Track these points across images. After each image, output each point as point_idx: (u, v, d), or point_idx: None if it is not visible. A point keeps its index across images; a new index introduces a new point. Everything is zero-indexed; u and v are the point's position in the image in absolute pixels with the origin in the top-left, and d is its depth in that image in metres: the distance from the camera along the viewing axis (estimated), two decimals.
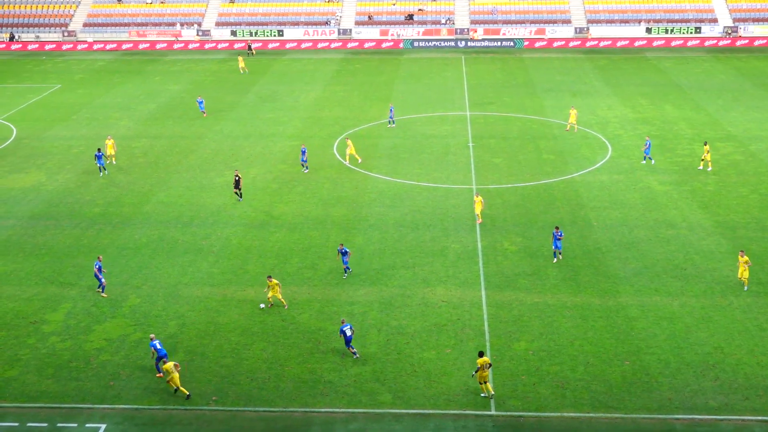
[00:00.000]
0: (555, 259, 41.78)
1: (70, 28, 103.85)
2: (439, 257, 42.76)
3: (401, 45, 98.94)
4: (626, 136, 62.14)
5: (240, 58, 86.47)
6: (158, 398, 31.82)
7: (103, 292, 39.62)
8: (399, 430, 29.92)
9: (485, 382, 31.41)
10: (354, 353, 34.07)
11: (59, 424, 30.46)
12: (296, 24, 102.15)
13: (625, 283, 39.66)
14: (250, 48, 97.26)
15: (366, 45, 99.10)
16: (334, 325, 36.53)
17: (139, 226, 47.53)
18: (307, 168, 55.48)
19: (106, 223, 48.00)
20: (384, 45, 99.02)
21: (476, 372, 31.40)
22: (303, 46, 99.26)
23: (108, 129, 66.21)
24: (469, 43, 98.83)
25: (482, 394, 31.58)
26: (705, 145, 55.00)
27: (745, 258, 38.58)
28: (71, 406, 31.45)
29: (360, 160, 56.73)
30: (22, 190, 53.43)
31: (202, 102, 69.21)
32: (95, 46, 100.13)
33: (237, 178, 50.21)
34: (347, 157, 56.83)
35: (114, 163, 58.01)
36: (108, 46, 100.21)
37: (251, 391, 32.19)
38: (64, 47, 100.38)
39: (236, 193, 50.42)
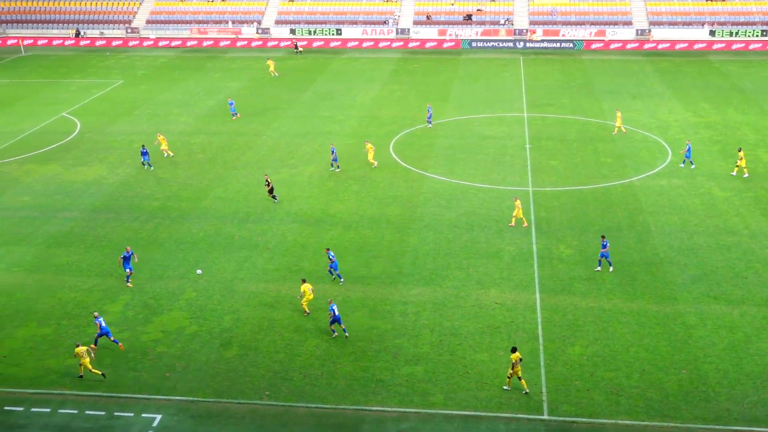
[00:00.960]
0: (598, 268, 40.98)
1: (133, 25, 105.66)
2: (494, 259, 42.56)
3: (459, 45, 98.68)
4: (687, 140, 61.12)
5: (270, 62, 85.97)
6: (212, 391, 32.22)
7: (128, 281, 40.14)
8: (450, 430, 29.86)
9: (520, 378, 31.52)
10: (335, 332, 35.37)
11: (116, 413, 31.03)
12: (354, 23, 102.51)
13: (683, 290, 39.02)
14: (296, 46, 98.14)
15: (424, 45, 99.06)
16: (387, 323, 36.62)
17: (197, 220, 48.17)
18: (338, 167, 55.42)
19: (165, 217, 48.73)
20: (442, 45, 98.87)
21: (512, 369, 31.37)
22: (361, 45, 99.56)
23: (168, 125, 67.23)
24: (527, 44, 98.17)
25: (524, 391, 31.62)
26: (739, 151, 53.81)
27: None
28: (128, 396, 32.02)
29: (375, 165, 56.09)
30: (84, 183, 54.51)
31: (233, 103, 69.63)
32: (160, 43, 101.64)
33: (268, 183, 50.25)
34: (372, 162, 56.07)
35: (172, 155, 58.92)
36: (173, 43, 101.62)
37: (304, 387, 32.41)
38: (131, 44, 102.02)
39: (272, 196, 50.32)
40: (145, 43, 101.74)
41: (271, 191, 50.28)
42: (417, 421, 30.36)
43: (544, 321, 36.60)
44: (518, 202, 46.34)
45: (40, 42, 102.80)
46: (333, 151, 55.82)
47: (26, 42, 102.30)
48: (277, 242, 45.02)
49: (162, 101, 75.08)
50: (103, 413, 31.09)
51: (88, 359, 32.96)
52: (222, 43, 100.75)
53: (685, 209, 48.32)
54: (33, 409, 31.32)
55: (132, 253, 40.71)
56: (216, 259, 43.14)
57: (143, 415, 30.93)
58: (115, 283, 40.84)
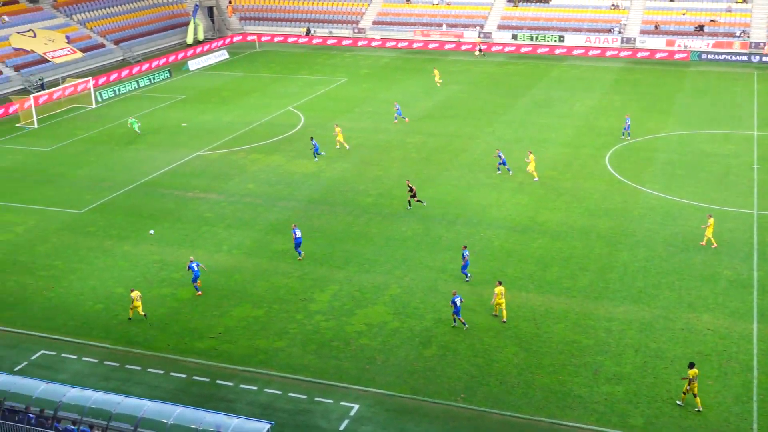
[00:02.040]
0: None
1: (360, 26, 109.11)
2: (709, 282, 40.43)
3: (688, 57, 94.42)
4: None
5: (435, 71, 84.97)
6: (409, 387, 32.71)
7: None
8: None
9: (695, 395, 30.42)
10: (455, 323, 36.77)
11: (317, 398, 32.20)
12: (578, 30, 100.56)
13: None
14: (480, 50, 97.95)
15: (649, 55, 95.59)
16: (590, 338, 35.71)
17: (407, 219, 49.05)
18: (509, 169, 55.67)
19: (377, 213, 49.99)
20: (669, 56, 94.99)
21: (689, 385, 30.40)
22: (583, 53, 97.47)
23: (385, 123, 68.88)
24: (764, 59, 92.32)
25: (696, 409, 30.51)
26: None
27: None
28: (329, 383, 33.14)
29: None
30: (304, 174, 56.95)
31: (399, 108, 70.03)
32: (388, 44, 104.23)
33: (411, 188, 50.02)
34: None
35: (347, 147, 61.35)
36: (400, 44, 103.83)
37: (499, 394, 32.22)
38: (359, 43, 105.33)
39: (419, 201, 50.18)
40: (373, 44, 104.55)
41: (414, 195, 50.16)
42: None
43: (760, 353, 34.35)
44: (711, 220, 43.91)
45: (276, 39, 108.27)
46: (500, 155, 55.72)
47: (264, 38, 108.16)
48: (483, 246, 45.03)
49: (382, 100, 77.04)
50: (304, 397, 32.36)
51: (140, 303, 37.58)
52: (447, 46, 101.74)
53: None
54: (241, 386, 33.13)
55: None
56: (422, 258, 43.75)
57: (342, 403, 31.90)
58: (326, 272, 42.38)
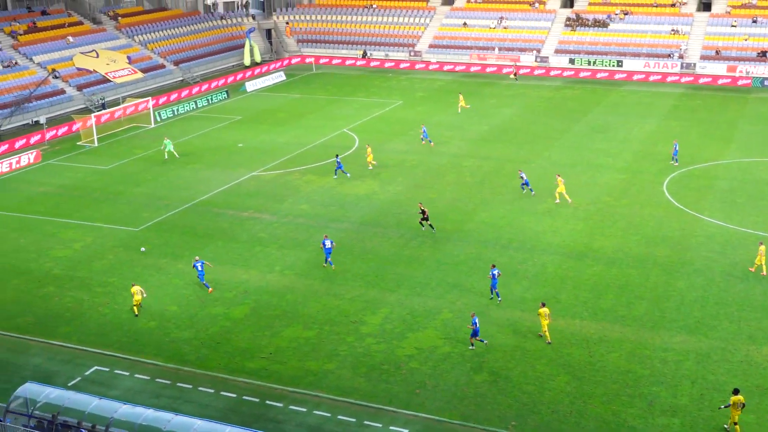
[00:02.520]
0: None
1: (416, 49, 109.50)
2: None
3: (750, 83, 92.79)
4: None
5: (461, 97, 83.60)
6: (459, 413, 32.40)
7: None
8: None
9: (736, 423, 29.84)
10: (473, 346, 36.86)
11: (366, 422, 32.06)
12: (637, 55, 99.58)
13: None
14: (515, 73, 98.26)
15: (710, 81, 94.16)
16: (645, 368, 35.04)
17: (459, 242, 48.82)
18: (531, 191, 56.02)
19: (429, 236, 49.83)
20: (730, 82, 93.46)
21: (727, 407, 29.97)
22: (643, 78, 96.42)
23: (440, 146, 68.83)
24: None
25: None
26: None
27: None
28: (378, 407, 32.98)
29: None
30: (356, 196, 57.11)
31: (425, 130, 69.88)
32: (445, 67, 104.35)
33: (423, 212, 49.88)
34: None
35: (373, 165, 62.48)
36: (457, 68, 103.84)
37: (551, 422, 31.73)
38: (416, 66, 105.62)
39: (430, 225, 49.98)
40: (431, 67, 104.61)
41: (426, 218, 49.99)
42: None
43: None
44: (762, 248, 42.91)
45: (334, 61, 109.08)
46: (522, 176, 56.15)
47: (322, 61, 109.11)
48: (536, 272, 44.58)
49: (436, 123, 77.04)
50: (353, 420, 32.24)
51: (140, 299, 40.10)
52: (505, 70, 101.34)
53: None
54: (291, 407, 33.15)
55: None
56: (474, 282, 43.44)
57: (391, 427, 31.71)
58: (378, 295, 42.32)
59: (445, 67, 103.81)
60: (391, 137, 72.36)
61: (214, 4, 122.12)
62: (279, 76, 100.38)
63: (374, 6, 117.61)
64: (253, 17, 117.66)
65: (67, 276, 45.48)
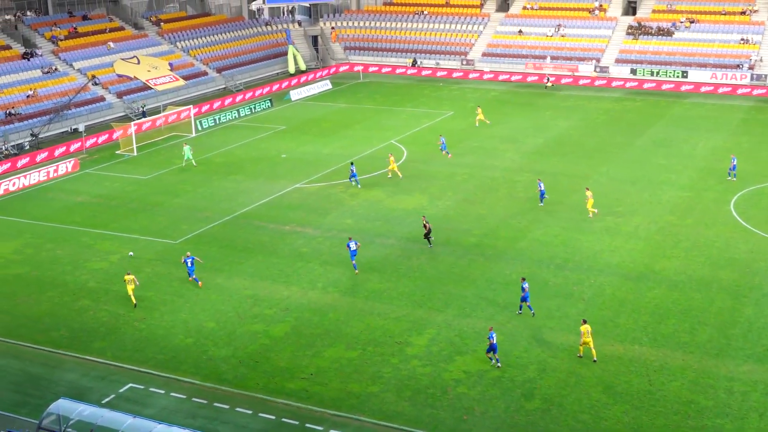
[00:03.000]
0: None
1: (468, 57, 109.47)
2: None
3: None
4: None
5: (479, 110, 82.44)
6: None
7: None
8: None
9: None
10: (492, 360, 37.33)
11: None
12: (703, 66, 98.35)
13: None
14: (548, 79, 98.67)
15: None
16: (709, 399, 34.41)
17: (511, 261, 48.52)
18: (541, 202, 57.24)
19: (479, 254, 49.63)
20: None
21: None
22: (711, 90, 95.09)
23: (493, 159, 68.60)
24: None
25: None
26: None
27: None
28: None
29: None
30: (404, 211, 57.11)
31: (444, 141, 69.86)
32: (500, 77, 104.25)
33: (425, 225, 50.74)
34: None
35: (393, 176, 63.12)
36: (513, 78, 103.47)
37: None
38: (471, 76, 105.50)
39: (427, 239, 50.79)
40: (485, 76, 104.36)
41: (427, 234, 50.39)
42: None
43: None
44: None
45: (383, 69, 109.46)
46: (540, 185, 57.47)
47: (371, 69, 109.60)
48: (593, 294, 44.12)
49: (489, 135, 76.83)
50: None
51: (133, 286, 43.09)
52: (564, 81, 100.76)
53: None
54: (332, 431, 33.11)
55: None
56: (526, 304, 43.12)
57: None
58: (423, 315, 42.20)
59: (500, 77, 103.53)
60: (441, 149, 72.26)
61: (259, 10, 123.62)
62: (325, 85, 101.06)
63: (425, 12, 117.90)
64: (299, 23, 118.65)
65: (103, 289, 46.12)
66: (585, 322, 37.68)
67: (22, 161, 70.20)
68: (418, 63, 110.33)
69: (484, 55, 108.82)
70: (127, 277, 43.72)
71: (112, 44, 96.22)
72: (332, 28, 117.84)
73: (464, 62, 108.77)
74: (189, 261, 45.73)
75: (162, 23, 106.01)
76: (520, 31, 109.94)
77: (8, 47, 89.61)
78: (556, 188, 61.10)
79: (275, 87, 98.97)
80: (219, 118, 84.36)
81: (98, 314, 43.25)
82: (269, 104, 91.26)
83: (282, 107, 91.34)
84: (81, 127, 79.79)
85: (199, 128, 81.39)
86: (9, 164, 68.96)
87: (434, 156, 69.67)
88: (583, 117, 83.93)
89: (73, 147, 74.13)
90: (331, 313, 42.79)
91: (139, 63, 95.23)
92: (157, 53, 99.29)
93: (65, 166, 67.99)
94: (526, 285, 41.64)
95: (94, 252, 51.35)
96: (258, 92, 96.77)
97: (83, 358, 39.07)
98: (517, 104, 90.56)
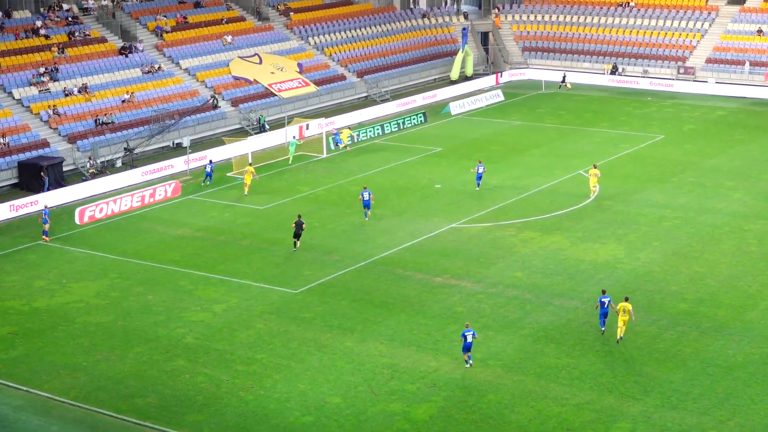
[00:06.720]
0: None
1: (688, 64, 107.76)
2: None
3: None
4: None
5: (592, 171, 74.57)
6: None
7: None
8: None
9: None
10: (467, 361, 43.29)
11: None
12: None
13: None
14: (563, 79, 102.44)
15: None
16: None
17: (737, 337, 47.19)
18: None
19: (693, 325, 48.49)
20: None
21: None
22: None
23: (715, 200, 67.04)
24: None
25: None
26: None
27: None
28: None
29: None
30: (593, 264, 56.45)
31: (481, 170, 70.20)
32: (730, 91, 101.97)
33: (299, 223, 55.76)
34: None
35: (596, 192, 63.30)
36: (748, 92, 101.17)
37: None
38: (690, 88, 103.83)
39: (294, 242, 54.86)
40: (710, 90, 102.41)
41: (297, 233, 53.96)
42: None
43: None
44: None
45: (573, 77, 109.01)
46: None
47: (555, 76, 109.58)
48: None
49: (711, 167, 75.25)
50: None
51: (250, 177, 51.88)
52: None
53: None
54: None
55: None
56: (756, 395, 41.75)
57: None
58: (615, 402, 41.46)
59: (730, 91, 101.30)
60: (646, 185, 71.28)
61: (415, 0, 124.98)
62: (496, 96, 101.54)
63: (632, 4, 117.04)
64: (465, 16, 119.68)
65: (203, 347, 47.38)
66: (627, 299, 45.96)
67: (112, 182, 73.02)
68: (620, 70, 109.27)
69: (708, 61, 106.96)
70: (249, 168, 48.68)
71: (228, 38, 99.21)
72: (509, 23, 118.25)
73: (682, 70, 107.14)
74: (209, 167, 51.44)
75: (291, 13, 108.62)
76: (760, 31, 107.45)
77: (103, 40, 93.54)
78: None
79: (432, 97, 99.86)
80: (358, 135, 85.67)
81: (196, 378, 44.41)
82: (423, 119, 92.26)
83: (439, 122, 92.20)
84: (185, 142, 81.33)
85: (332, 147, 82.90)
86: (96, 185, 71.81)
87: (636, 193, 68.69)
88: None
89: (175, 167, 76.53)
90: (491, 393, 42.60)
91: (261, 63, 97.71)
92: (283, 50, 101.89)
93: (164, 190, 70.29)
94: (605, 299, 47.11)
95: (194, 300, 52.90)
96: (409, 103, 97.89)
97: None
98: (752, 127, 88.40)
